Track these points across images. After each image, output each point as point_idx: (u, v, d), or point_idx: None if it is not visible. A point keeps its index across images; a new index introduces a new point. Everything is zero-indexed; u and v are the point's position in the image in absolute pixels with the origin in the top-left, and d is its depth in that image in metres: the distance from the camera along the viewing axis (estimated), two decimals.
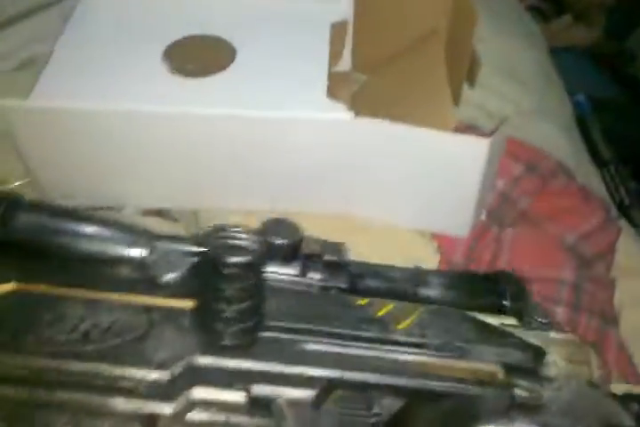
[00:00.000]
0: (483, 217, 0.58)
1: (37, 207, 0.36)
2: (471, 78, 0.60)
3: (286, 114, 0.51)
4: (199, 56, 0.56)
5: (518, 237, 0.59)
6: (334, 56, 0.60)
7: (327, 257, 0.39)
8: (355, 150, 0.52)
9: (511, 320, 0.38)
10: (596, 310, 0.53)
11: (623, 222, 0.66)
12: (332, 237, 0.53)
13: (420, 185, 0.53)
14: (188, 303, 0.33)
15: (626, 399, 0.35)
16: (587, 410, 0.34)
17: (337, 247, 0.40)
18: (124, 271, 0.35)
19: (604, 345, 0.52)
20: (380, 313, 0.36)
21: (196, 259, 0.35)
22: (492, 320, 0.37)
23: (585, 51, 1.34)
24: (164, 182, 0.55)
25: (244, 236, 0.31)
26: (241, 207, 0.57)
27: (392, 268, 0.42)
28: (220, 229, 0.33)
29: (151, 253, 0.35)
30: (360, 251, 0.53)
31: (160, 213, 0.58)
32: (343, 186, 0.55)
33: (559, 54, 0.99)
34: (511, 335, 0.36)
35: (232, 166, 0.54)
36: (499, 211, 0.59)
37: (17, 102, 0.49)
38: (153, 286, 0.34)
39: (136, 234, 0.36)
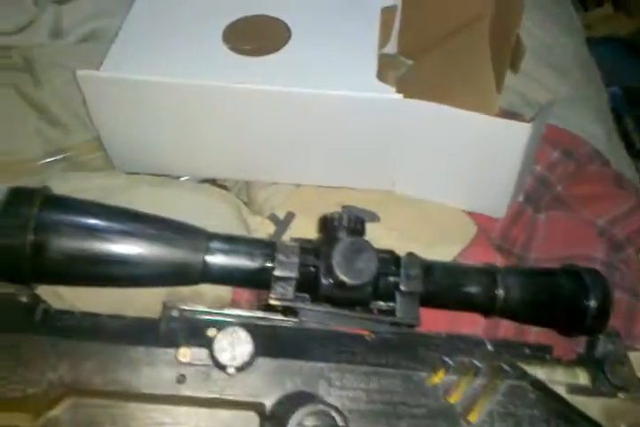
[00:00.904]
0: (520, 199, 0.61)
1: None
2: (515, 64, 0.63)
3: (338, 92, 0.54)
4: (256, 36, 0.59)
5: (552, 219, 0.61)
6: (382, 40, 0.63)
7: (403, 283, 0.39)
8: (401, 130, 0.55)
9: (583, 376, 0.39)
10: (627, 286, 0.55)
11: None
12: (372, 207, 0.57)
13: (462, 166, 0.56)
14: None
15: None
16: None
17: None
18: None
19: (633, 317, 0.54)
20: (452, 400, 0.36)
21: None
22: (563, 377, 0.39)
23: (623, 41, 1.35)
24: (219, 154, 0.59)
25: None
26: (289, 180, 0.60)
27: (465, 268, 0.42)
28: None
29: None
30: (395, 222, 0.56)
31: (213, 182, 0.61)
32: (388, 164, 0.58)
33: (597, 45, 1.01)
34: (580, 417, 0.37)
35: (284, 141, 0.57)
36: (535, 194, 0.62)
37: (90, 72, 0.52)
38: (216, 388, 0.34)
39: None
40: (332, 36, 0.59)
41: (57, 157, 0.60)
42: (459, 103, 0.53)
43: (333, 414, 0.32)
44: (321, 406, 0.32)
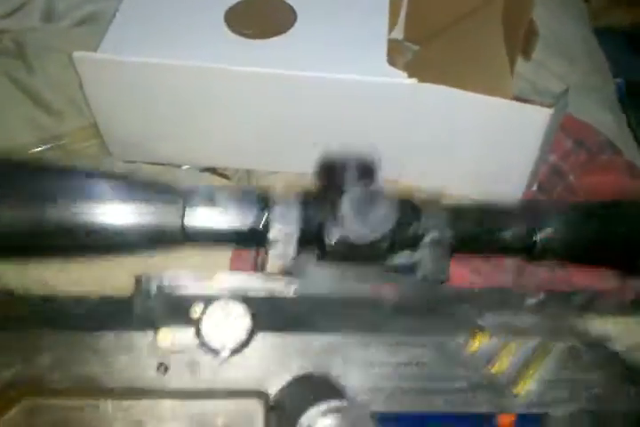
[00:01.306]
0: (534, 188, 0.59)
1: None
2: (527, 51, 0.61)
3: (347, 77, 0.51)
4: (261, 18, 0.56)
5: None
6: (390, 25, 0.61)
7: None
8: (411, 117, 0.52)
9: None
10: None
11: None
12: None
13: (475, 154, 0.54)
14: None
15: None
16: None
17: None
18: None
19: None
20: (495, 369, 0.31)
21: None
22: (621, 331, 0.34)
23: (624, 32, 1.33)
24: (220, 142, 0.56)
25: None
26: (292, 169, 0.58)
27: (499, 207, 0.34)
28: None
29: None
30: None
31: (213, 171, 0.59)
32: (395, 153, 0.55)
33: (597, 36, 0.99)
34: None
35: (286, 128, 0.55)
36: (548, 184, 0.60)
37: (87, 54, 0.50)
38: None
39: None
40: (340, 18, 0.57)
41: (51, 145, 0.57)
42: (471, 87, 0.51)
43: (352, 410, 0.27)
44: (335, 404, 0.26)
